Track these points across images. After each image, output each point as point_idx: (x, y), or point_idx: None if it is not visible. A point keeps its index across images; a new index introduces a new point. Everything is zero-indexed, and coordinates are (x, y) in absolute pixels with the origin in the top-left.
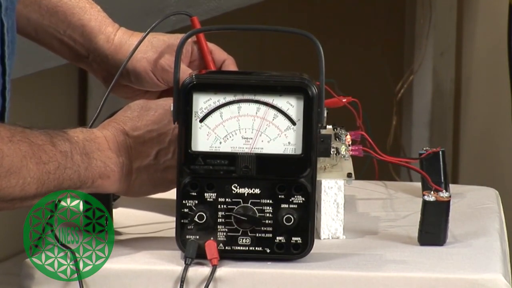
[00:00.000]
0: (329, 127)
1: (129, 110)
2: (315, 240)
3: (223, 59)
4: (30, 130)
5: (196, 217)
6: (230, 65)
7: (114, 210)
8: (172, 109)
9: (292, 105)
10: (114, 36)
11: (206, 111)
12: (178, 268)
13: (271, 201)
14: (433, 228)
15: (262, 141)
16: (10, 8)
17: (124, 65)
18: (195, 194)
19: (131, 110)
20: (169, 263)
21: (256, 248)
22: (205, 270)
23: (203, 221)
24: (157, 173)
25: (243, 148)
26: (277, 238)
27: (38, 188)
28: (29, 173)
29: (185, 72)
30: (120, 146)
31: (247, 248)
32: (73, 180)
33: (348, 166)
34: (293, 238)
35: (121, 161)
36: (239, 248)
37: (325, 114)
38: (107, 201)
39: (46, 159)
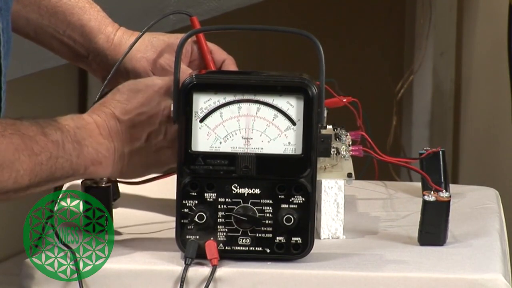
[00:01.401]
0: (329, 127)
1: (118, 93)
2: (315, 240)
3: (223, 59)
4: (20, 121)
5: (196, 217)
6: (230, 65)
7: (114, 210)
8: (172, 109)
9: (292, 105)
10: (114, 36)
11: (206, 111)
12: (178, 268)
13: (271, 201)
14: (433, 228)
15: (262, 141)
16: (5, 8)
17: (119, 62)
18: (195, 194)
19: (120, 93)
20: (169, 263)
21: (256, 248)
22: (205, 270)
23: (203, 221)
24: (149, 155)
25: (243, 148)
26: (277, 238)
27: (31, 179)
28: (21, 165)
29: (185, 72)
30: (111, 131)
31: (247, 248)
32: (65, 169)
33: (348, 166)
34: (293, 238)
35: (113, 146)
36: (239, 248)
37: (325, 114)
38: (107, 201)
39: (38, 150)
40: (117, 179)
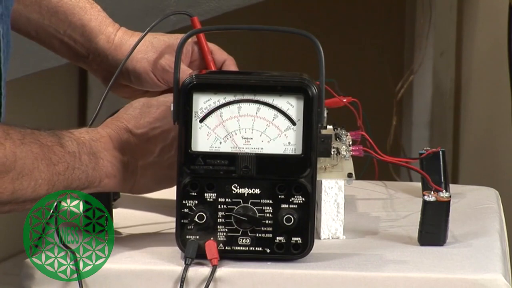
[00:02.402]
0: (330, 127)
1: (131, 108)
2: (315, 240)
3: (224, 59)
4: (38, 131)
5: (196, 217)
6: (231, 65)
7: (114, 210)
8: (172, 109)
9: (292, 105)
10: (115, 36)
11: (206, 111)
12: (178, 268)
13: (271, 201)
14: (433, 228)
15: (262, 141)
16: (5, 14)
17: (122, 65)
18: (195, 194)
19: (133, 108)
20: (169, 263)
21: (256, 248)
22: (205, 270)
23: (203, 221)
24: (161, 170)
25: (243, 148)
26: (277, 238)
27: (48, 189)
28: (40, 174)
29: (185, 72)
30: (125, 145)
31: (247, 248)
32: (82, 180)
33: (349, 166)
34: (293, 238)
35: (126, 159)
36: (239, 248)
37: (325, 114)
38: (107, 201)
39: (56, 160)
40: (128, 193)
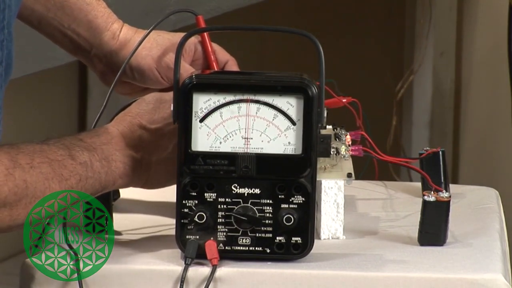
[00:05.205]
0: (329, 127)
1: (143, 102)
2: (315, 240)
3: (226, 60)
4: (47, 146)
5: (196, 217)
6: (233, 66)
7: (114, 210)
8: (172, 109)
9: (292, 105)
10: (120, 33)
11: (206, 111)
12: (178, 268)
13: (271, 201)
14: (433, 228)
15: (262, 141)
16: (8, 39)
17: (126, 62)
18: (195, 194)
19: (146, 103)
20: (169, 263)
21: (256, 248)
22: (205, 270)
23: (203, 221)
24: (174, 166)
25: (243, 148)
26: (277, 238)
27: None
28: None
29: (188, 71)
30: (138, 142)
31: (247, 248)
32: (95, 187)
33: (348, 166)
34: (293, 238)
35: (139, 156)
36: (239, 248)
37: (325, 114)
38: (107, 201)
39: (68, 175)
40: (141, 188)
